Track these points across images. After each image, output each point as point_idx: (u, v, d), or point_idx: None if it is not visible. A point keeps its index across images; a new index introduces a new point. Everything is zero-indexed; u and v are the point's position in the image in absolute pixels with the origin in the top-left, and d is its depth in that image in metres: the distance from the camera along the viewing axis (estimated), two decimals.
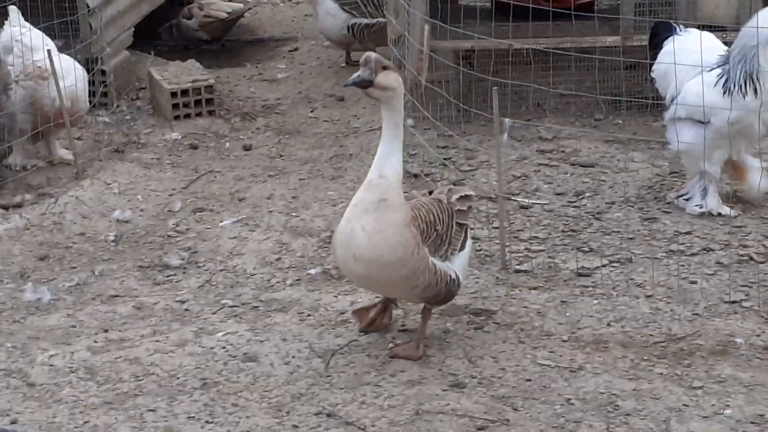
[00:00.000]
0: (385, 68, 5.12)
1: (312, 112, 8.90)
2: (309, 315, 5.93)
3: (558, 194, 7.23)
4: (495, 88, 6.25)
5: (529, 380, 5.33)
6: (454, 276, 5.40)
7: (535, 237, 6.68)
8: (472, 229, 6.03)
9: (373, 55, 5.16)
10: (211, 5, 10.66)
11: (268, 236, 6.83)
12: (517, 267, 6.34)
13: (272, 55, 10.42)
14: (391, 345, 5.58)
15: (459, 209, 5.57)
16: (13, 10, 7.64)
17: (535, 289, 6.12)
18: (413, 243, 5.22)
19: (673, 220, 6.77)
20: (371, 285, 5.48)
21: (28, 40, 7.46)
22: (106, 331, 5.82)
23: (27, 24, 7.60)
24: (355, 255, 5.20)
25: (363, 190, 5.25)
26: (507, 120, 6.77)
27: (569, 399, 5.17)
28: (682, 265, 6.24)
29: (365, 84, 5.13)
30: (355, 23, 9.49)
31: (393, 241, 5.17)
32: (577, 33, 8.43)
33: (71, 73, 7.46)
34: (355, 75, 5.13)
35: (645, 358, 5.47)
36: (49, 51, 7.33)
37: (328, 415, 5.08)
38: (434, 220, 5.39)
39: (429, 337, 5.62)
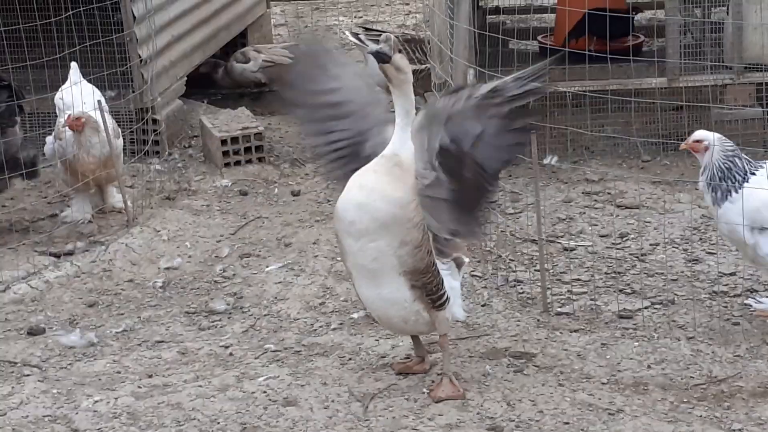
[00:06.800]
0: (400, 51, 5.30)
1: None
2: (350, 359, 5.97)
3: (602, 236, 7.24)
4: (533, 131, 6.28)
5: (567, 423, 5.32)
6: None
7: (578, 279, 6.69)
8: None
9: (392, 36, 5.34)
10: (269, 50, 10.83)
11: (313, 281, 6.90)
12: (559, 309, 6.34)
13: None
14: (425, 391, 5.60)
15: None
16: (74, 67, 7.83)
17: (576, 331, 6.11)
18: (412, 195, 5.25)
19: (717, 261, 6.74)
20: (362, 221, 5.30)
21: (69, 98, 7.63)
22: (150, 376, 5.91)
23: (79, 79, 7.77)
24: (361, 184, 5.29)
25: (377, 158, 5.36)
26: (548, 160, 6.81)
27: None
28: (725, 306, 6.21)
29: (385, 58, 5.33)
30: None
31: (398, 181, 5.24)
32: (624, 75, 8.46)
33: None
34: (378, 47, 5.30)
35: (685, 400, 5.44)
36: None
37: None
38: None
39: (460, 375, 5.65)
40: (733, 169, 5.94)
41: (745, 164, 5.95)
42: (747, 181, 5.91)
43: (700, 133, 6.13)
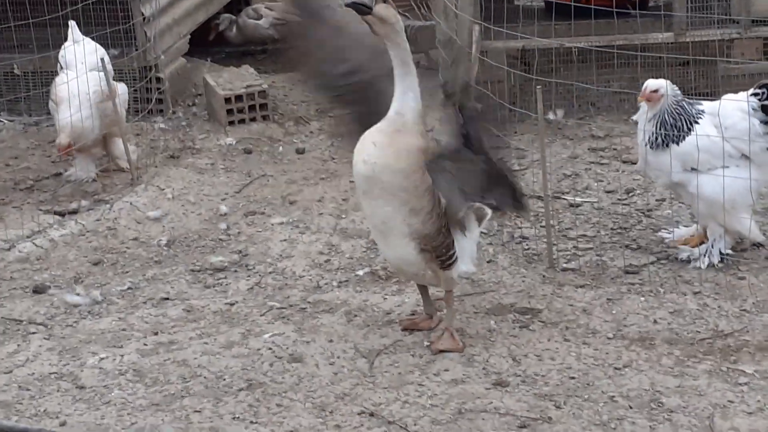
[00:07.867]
0: (385, 1, 5.16)
1: None
2: (355, 316, 5.97)
3: (608, 192, 7.21)
4: (539, 87, 6.25)
5: (573, 378, 5.32)
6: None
7: (584, 235, 6.66)
8: None
9: None
10: (280, 7, 10.77)
11: (318, 238, 6.88)
12: (565, 265, 6.32)
13: None
14: (427, 343, 5.60)
15: None
16: (72, 25, 7.77)
17: (581, 287, 6.10)
18: (418, 162, 5.23)
19: None
20: (373, 192, 5.33)
21: (72, 56, 7.58)
22: (155, 333, 5.91)
23: (81, 37, 7.71)
24: (364, 159, 5.28)
25: (380, 122, 5.31)
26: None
27: (613, 397, 5.15)
28: (731, 261, 6.19)
29: (364, 10, 5.14)
30: (408, 26, 9.51)
31: (401, 150, 5.22)
32: (630, 30, 8.39)
33: (77, 104, 7.38)
34: None
35: (691, 354, 5.44)
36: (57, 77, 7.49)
37: (371, 415, 5.11)
38: None
39: (465, 331, 5.64)
40: (682, 113, 6.09)
41: (689, 108, 6.13)
42: (692, 129, 6.07)
43: (654, 83, 6.19)
